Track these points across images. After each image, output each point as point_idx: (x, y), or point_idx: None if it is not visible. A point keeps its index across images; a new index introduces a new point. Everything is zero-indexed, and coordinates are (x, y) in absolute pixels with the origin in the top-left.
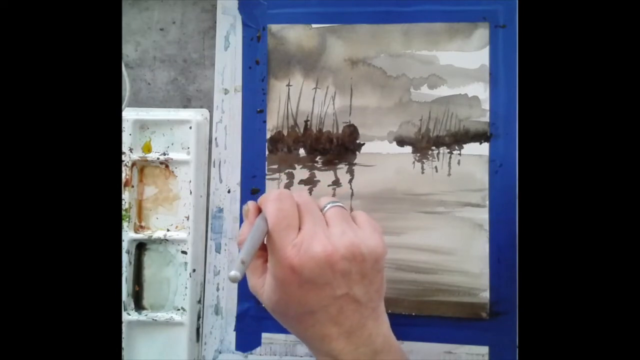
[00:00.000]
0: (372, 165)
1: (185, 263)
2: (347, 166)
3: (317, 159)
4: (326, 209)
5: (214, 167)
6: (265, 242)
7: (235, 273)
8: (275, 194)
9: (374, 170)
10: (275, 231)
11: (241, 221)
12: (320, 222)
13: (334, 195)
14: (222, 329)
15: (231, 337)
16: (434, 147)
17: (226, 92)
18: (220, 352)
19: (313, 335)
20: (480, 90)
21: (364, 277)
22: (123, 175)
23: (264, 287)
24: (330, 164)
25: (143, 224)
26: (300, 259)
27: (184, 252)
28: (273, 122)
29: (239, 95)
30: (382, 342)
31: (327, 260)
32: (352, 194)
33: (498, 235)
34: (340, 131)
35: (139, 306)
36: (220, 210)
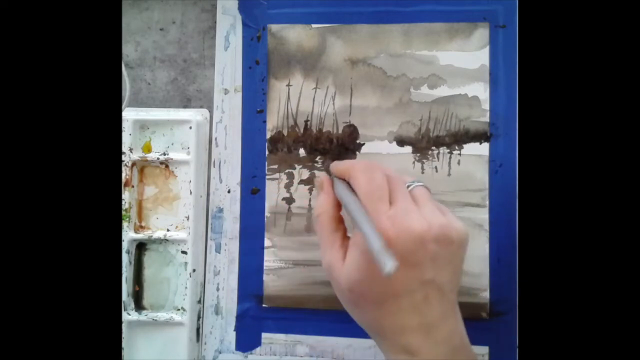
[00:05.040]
0: None
1: (185, 263)
2: None
3: (317, 159)
4: (412, 187)
5: (214, 167)
6: (342, 214)
7: (391, 264)
8: (364, 164)
9: None
10: (368, 202)
11: (241, 221)
12: (410, 198)
13: None
14: (222, 329)
15: (231, 337)
16: (434, 147)
17: (226, 92)
18: (220, 352)
19: (391, 325)
20: (480, 90)
21: (450, 263)
22: (123, 175)
23: (344, 264)
24: None
25: (143, 224)
26: (396, 231)
27: (184, 252)
28: (273, 122)
29: (239, 95)
30: (459, 342)
31: (421, 237)
32: None
33: (498, 235)
34: (340, 131)
35: (139, 306)
36: (220, 210)
